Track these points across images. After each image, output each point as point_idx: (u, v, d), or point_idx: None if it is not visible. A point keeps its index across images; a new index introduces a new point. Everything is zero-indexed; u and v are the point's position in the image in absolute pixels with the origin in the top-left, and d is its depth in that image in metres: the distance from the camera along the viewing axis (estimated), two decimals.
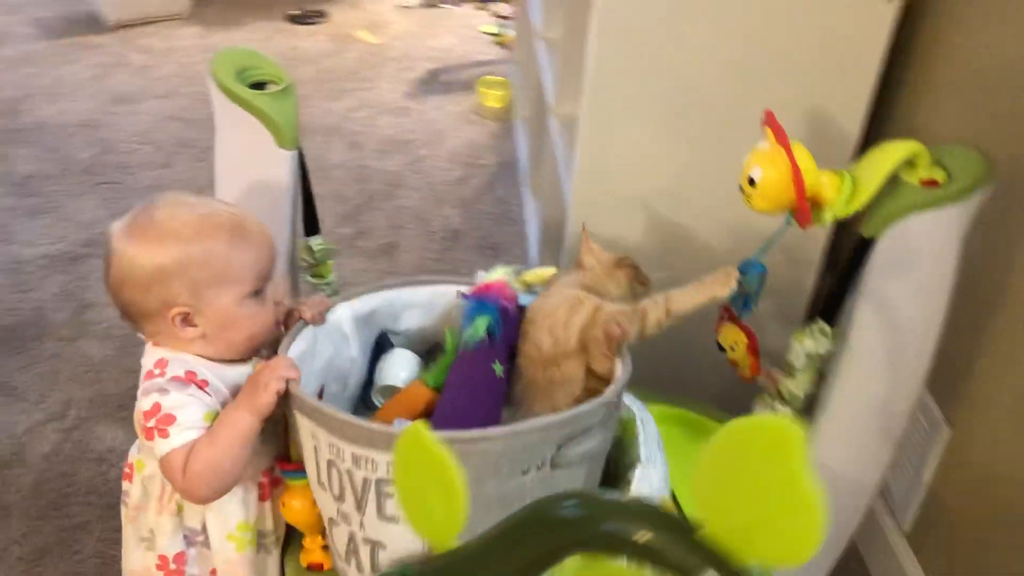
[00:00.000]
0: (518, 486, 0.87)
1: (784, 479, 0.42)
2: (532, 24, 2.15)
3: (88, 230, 2.16)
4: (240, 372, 0.98)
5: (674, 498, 1.09)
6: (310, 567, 1.05)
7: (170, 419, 0.92)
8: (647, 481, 0.99)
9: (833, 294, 1.09)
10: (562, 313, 1.01)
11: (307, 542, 1.05)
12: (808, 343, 1.09)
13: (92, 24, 3.29)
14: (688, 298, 1.00)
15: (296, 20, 3.48)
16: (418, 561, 0.52)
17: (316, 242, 1.19)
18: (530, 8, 2.24)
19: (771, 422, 0.44)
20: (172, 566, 1.02)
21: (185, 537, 1.02)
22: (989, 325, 1.21)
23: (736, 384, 1.19)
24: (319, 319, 1.05)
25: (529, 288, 1.12)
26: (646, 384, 1.07)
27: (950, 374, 1.26)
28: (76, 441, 1.59)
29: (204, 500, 0.96)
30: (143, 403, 0.93)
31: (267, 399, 0.91)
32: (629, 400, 1.11)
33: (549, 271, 1.14)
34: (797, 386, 1.12)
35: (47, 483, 1.52)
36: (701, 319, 1.07)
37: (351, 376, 1.12)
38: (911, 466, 1.36)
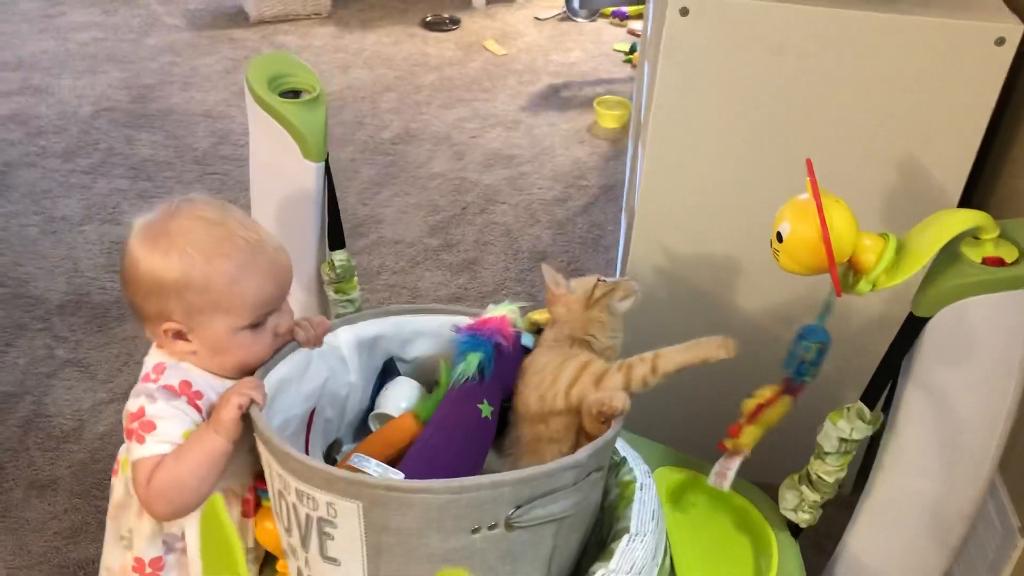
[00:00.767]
0: (466, 544, 0.80)
1: None
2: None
3: None
4: None
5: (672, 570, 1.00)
6: None
7: (150, 426, 0.91)
8: (630, 557, 0.90)
9: (877, 373, 0.96)
10: (548, 373, 0.97)
11: (280, 566, 1.02)
12: (843, 425, 0.96)
13: (237, 18, 3.43)
14: (678, 356, 0.94)
15: (430, 26, 3.51)
16: None
17: (339, 257, 1.16)
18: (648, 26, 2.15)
19: None
20: (148, 570, 1.01)
21: (165, 543, 1.01)
22: None
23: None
24: (314, 342, 1.02)
25: (537, 327, 1.05)
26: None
27: None
28: None
29: (163, 516, 0.94)
30: (131, 404, 0.93)
31: (227, 415, 0.88)
32: (634, 462, 1.02)
33: None
34: (827, 471, 0.99)
35: (96, 463, 1.58)
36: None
37: (349, 401, 1.08)
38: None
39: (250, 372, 0.97)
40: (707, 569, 1.03)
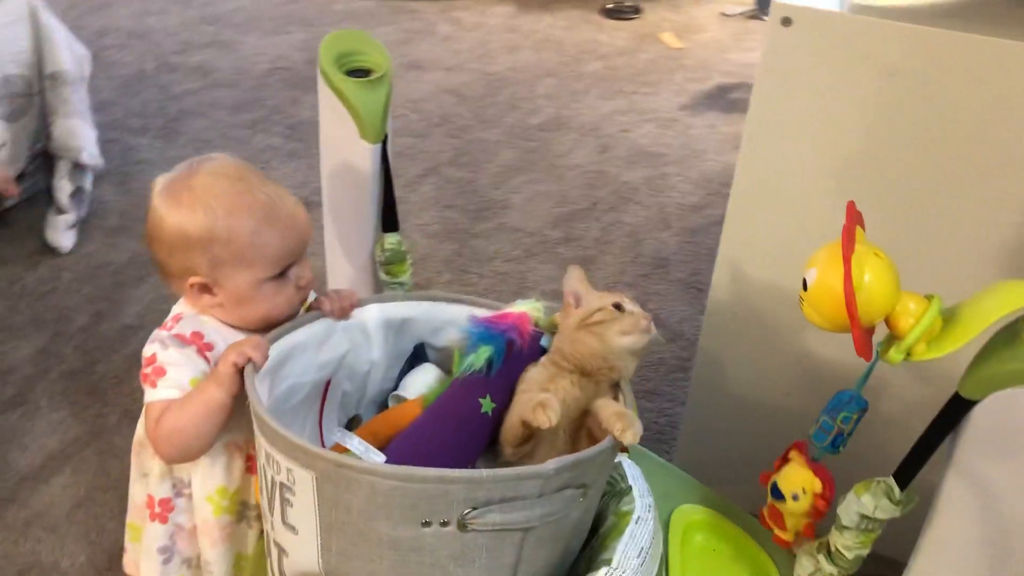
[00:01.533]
0: (416, 536, 0.78)
1: None
2: None
3: None
4: None
5: None
6: None
7: (161, 371, 0.95)
8: None
9: (913, 452, 0.84)
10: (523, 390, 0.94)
11: None
12: (866, 500, 0.86)
13: None
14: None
15: (609, 14, 3.46)
16: None
17: (390, 240, 1.17)
18: None
19: None
20: (157, 509, 1.05)
21: (174, 486, 1.06)
22: None
23: None
24: (339, 314, 1.02)
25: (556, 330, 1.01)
26: None
27: None
28: None
29: (169, 459, 0.98)
30: (146, 349, 0.98)
31: (222, 369, 0.91)
32: (639, 494, 0.96)
33: None
34: (846, 546, 0.89)
35: None
36: None
37: (370, 378, 1.08)
38: None
39: (274, 325, 0.99)
40: None
